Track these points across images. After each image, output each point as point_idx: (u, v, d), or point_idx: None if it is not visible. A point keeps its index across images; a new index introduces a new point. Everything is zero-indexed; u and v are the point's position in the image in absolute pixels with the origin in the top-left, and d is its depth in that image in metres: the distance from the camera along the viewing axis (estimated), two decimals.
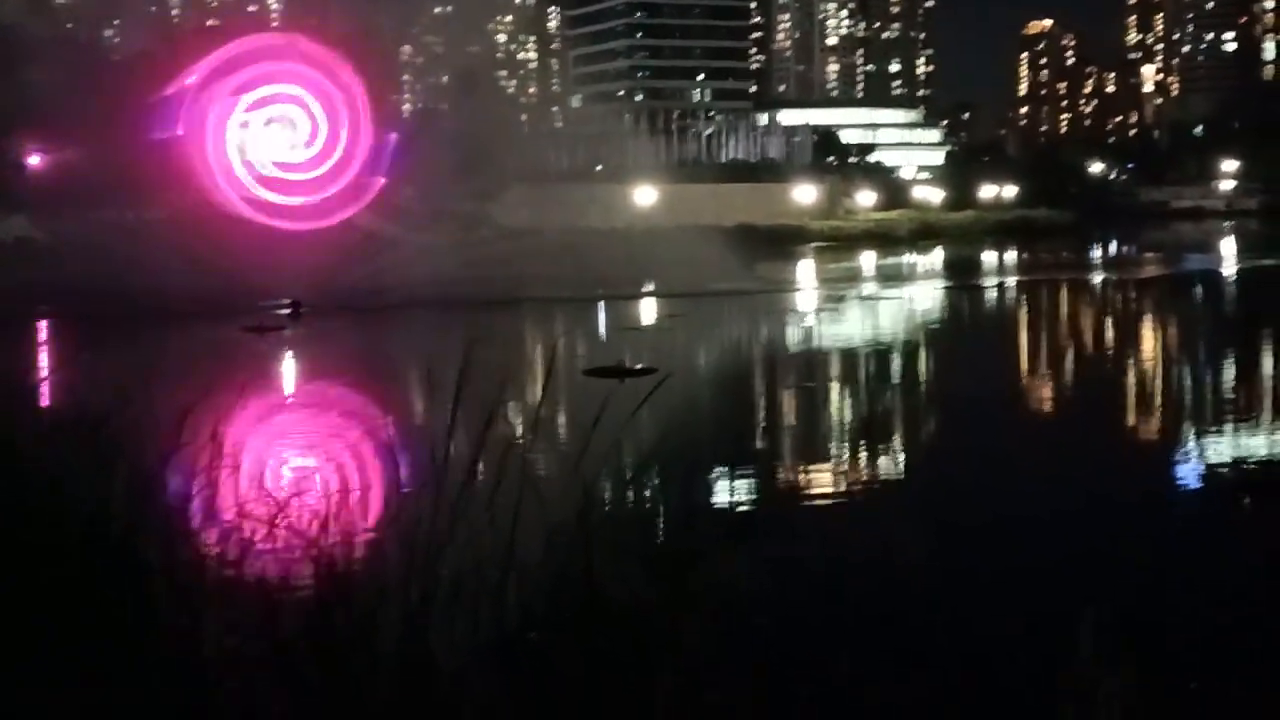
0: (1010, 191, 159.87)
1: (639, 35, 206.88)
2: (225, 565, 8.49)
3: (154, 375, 10.68)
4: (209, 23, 69.85)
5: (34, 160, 65.18)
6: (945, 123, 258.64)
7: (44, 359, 36.73)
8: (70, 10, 72.65)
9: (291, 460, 21.14)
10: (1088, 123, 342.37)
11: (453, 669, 7.22)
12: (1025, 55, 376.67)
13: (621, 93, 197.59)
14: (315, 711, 6.99)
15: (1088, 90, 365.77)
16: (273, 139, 59.40)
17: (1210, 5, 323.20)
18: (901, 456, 22.88)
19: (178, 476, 9.85)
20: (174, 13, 73.73)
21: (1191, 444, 23.14)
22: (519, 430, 8.18)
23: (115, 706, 6.93)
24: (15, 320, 45.35)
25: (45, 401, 14.38)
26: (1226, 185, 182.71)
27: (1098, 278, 76.28)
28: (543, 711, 7.07)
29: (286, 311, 49.45)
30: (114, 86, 57.85)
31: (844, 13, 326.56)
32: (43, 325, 47.72)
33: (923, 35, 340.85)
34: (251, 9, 73.40)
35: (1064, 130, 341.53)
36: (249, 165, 59.31)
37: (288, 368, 38.08)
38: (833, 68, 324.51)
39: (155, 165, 57.14)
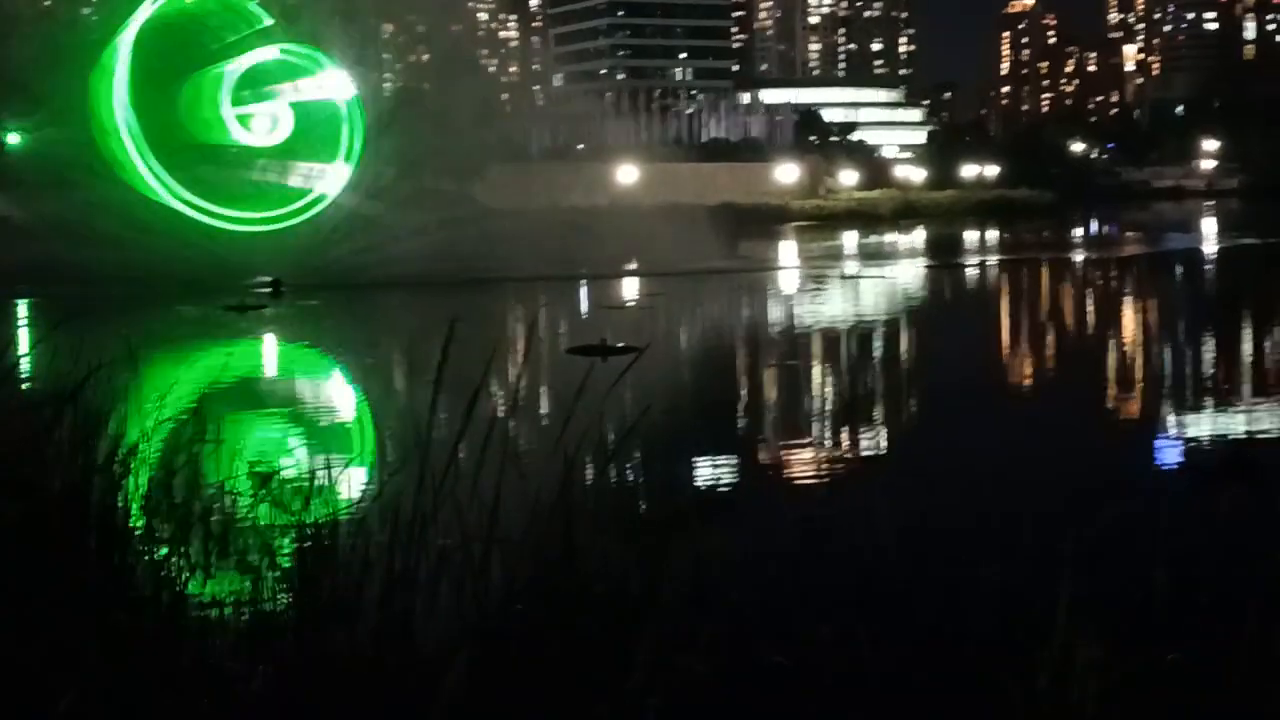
0: (991, 171, 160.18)
1: (620, 14, 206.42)
2: (207, 539, 8.47)
3: (134, 353, 10.61)
4: None
5: (12, 138, 64.75)
6: (927, 102, 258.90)
7: (22, 337, 36.56)
8: None
9: (272, 437, 21.07)
10: (1069, 102, 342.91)
11: (434, 645, 7.21)
12: (1007, 35, 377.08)
13: (603, 71, 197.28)
14: (295, 686, 6.97)
15: (1069, 70, 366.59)
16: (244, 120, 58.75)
17: None
18: (884, 434, 22.92)
19: (158, 451, 9.81)
20: None
21: (1183, 420, 23.25)
22: (501, 407, 8.16)
23: (90, 679, 6.89)
24: None
25: (22, 376, 14.32)
26: (1207, 165, 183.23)
27: (1078, 257, 76.45)
28: (524, 687, 7.06)
29: (268, 290, 49.28)
30: (92, 64, 57.42)
31: None
32: (21, 305, 47.53)
33: (904, 14, 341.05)
34: None
35: (1046, 110, 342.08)
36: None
37: (269, 346, 37.98)
38: (814, 47, 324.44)
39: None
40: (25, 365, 15.21)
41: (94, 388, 9.71)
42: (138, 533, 8.78)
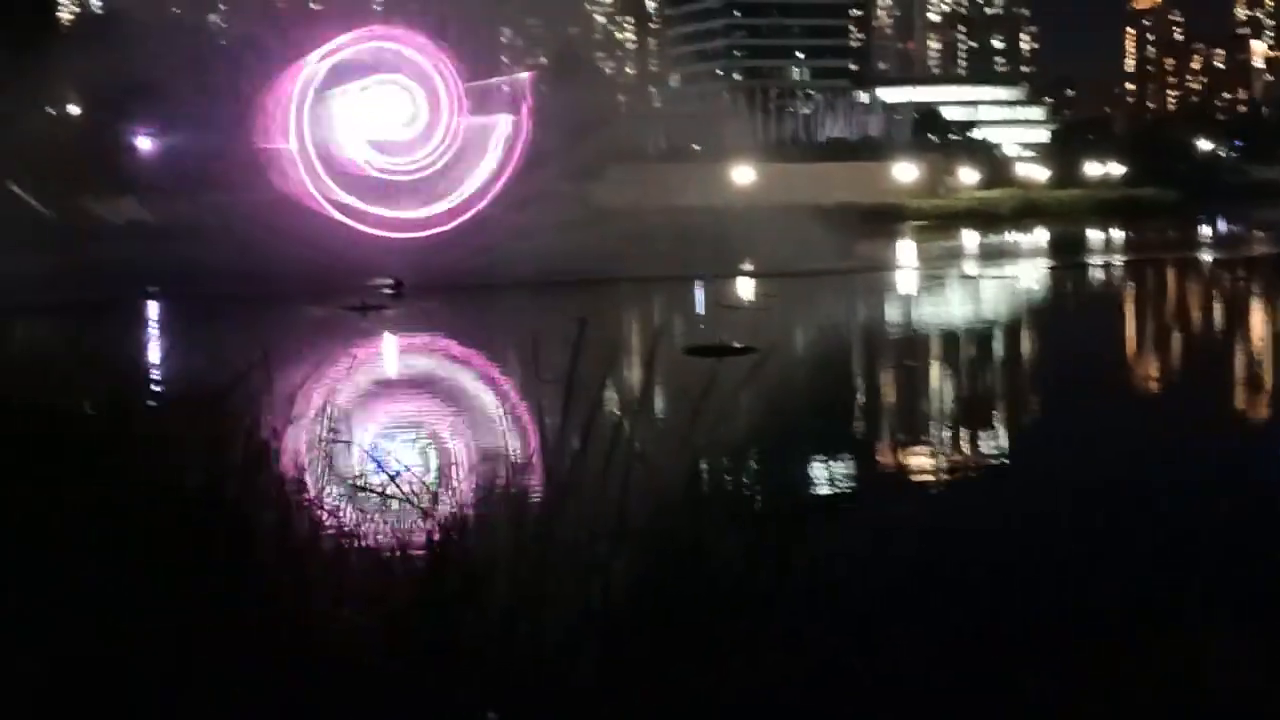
0: (1116, 169, 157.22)
1: (737, 14, 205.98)
2: (338, 535, 8.67)
3: (264, 353, 10.88)
4: (313, 5, 70.47)
5: (145, 144, 66.44)
6: (1049, 100, 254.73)
7: (156, 337, 37.54)
8: None
9: (400, 435, 21.41)
10: (1195, 100, 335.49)
11: (561, 640, 7.33)
12: (1132, 31, 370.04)
13: (720, 72, 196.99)
14: (425, 679, 7.13)
15: (1196, 67, 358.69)
16: (375, 130, 59.47)
17: None
18: (998, 438, 22.69)
19: (291, 449, 10.06)
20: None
21: None
22: (623, 407, 8.27)
23: (226, 672, 7.10)
24: (128, 300, 46.54)
25: (161, 377, 14.76)
26: None
27: (1207, 256, 74.82)
28: (645, 682, 7.16)
29: (389, 290, 50.01)
30: (223, 71, 58.67)
31: None
32: (154, 305, 48.79)
33: (1026, 10, 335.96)
34: None
35: (1172, 107, 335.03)
36: (350, 167, 59.13)
37: (392, 345, 38.56)
38: (934, 44, 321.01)
39: (259, 162, 57.97)
40: (162, 365, 15.68)
41: (227, 388, 9.98)
42: (269, 530, 9.01)
